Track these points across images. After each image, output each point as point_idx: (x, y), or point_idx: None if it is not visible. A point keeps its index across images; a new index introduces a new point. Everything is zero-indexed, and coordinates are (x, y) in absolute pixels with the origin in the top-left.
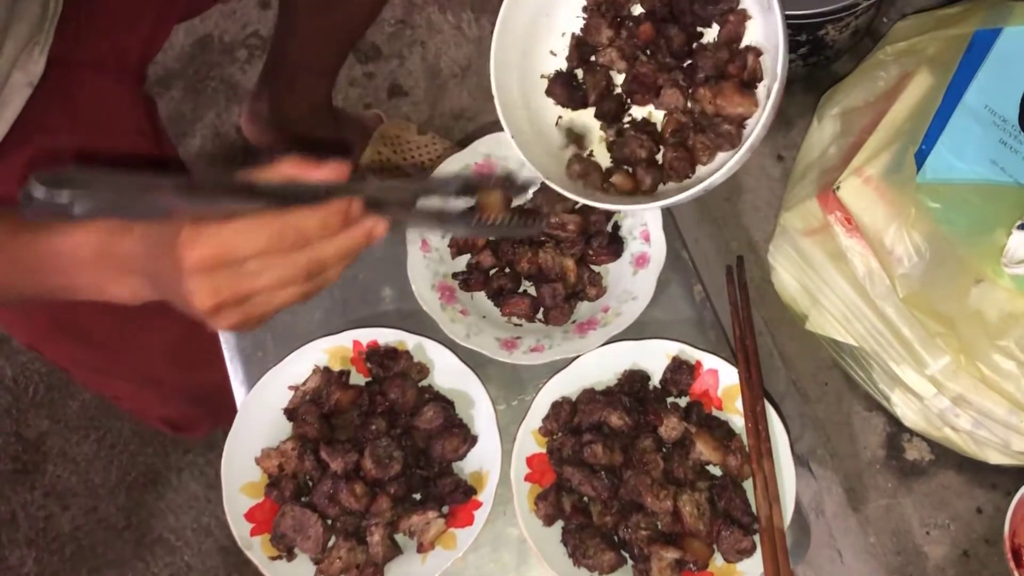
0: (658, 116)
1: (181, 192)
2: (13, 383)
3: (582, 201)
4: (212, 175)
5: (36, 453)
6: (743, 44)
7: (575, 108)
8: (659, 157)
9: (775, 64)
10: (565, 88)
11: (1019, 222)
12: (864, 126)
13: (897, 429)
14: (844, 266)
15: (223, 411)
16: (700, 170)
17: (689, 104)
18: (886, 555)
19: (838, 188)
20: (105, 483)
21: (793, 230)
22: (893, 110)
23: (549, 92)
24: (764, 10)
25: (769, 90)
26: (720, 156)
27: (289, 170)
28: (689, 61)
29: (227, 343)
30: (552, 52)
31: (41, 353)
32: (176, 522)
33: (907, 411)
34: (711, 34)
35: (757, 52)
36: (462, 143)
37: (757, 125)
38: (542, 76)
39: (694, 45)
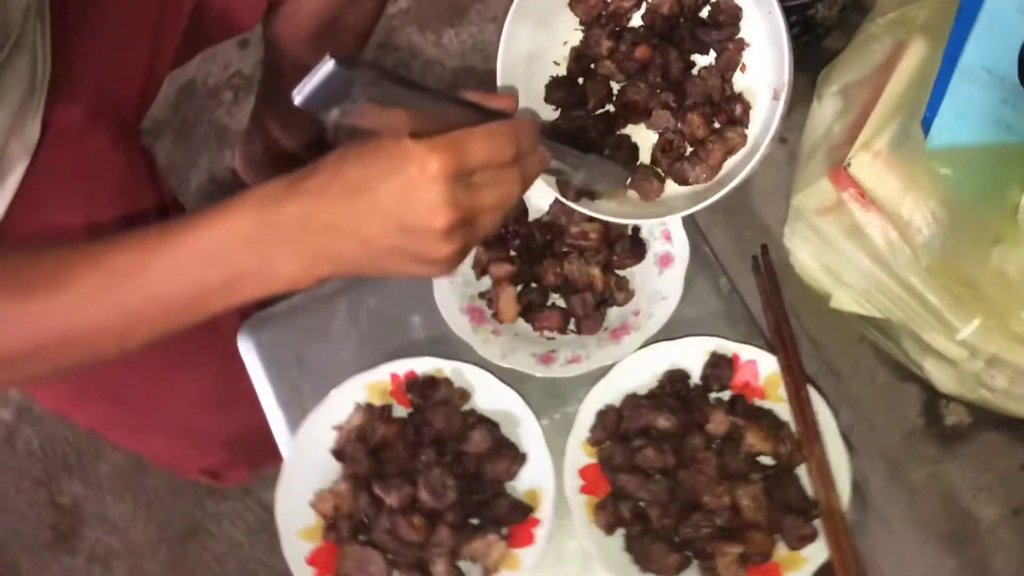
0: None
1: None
2: (41, 451)
3: (589, 213)
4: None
5: (73, 518)
6: (739, 71)
7: (573, 110)
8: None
9: (780, 72)
10: (564, 91)
11: None
12: (865, 101)
13: (933, 396)
14: (863, 241)
15: (263, 452)
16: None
17: (679, 125)
18: (936, 522)
19: (849, 165)
20: (146, 541)
21: (807, 211)
22: (892, 82)
23: (548, 99)
24: (771, 42)
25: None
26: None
27: (471, 96)
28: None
29: (263, 391)
30: (555, 62)
31: (69, 417)
32: (221, 570)
33: (941, 377)
34: (704, 60)
35: (747, 105)
36: None
37: (754, 158)
38: (545, 86)
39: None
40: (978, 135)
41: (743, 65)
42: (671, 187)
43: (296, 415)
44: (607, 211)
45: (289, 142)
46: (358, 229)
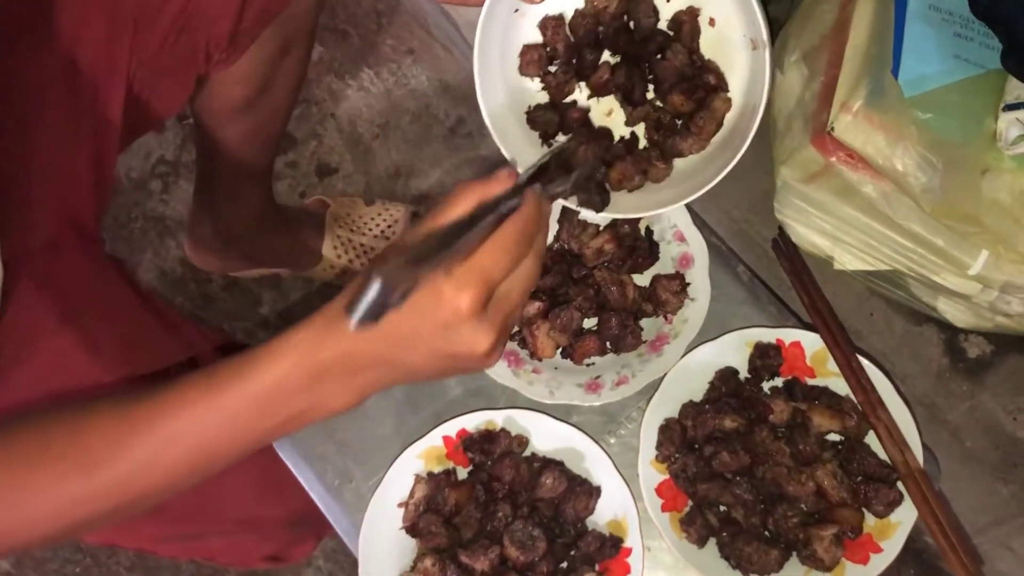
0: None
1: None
2: None
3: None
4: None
5: None
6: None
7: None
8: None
9: (752, 21)
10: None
11: (1002, 104)
12: (828, 63)
13: (951, 333)
14: (855, 199)
15: (325, 523)
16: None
17: (637, 176)
18: (985, 454)
19: (832, 129)
20: None
21: (794, 181)
22: (851, 40)
23: (530, 122)
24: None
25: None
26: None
27: (474, 197)
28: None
29: (310, 485)
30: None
31: (119, 545)
32: None
33: (956, 313)
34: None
35: (718, 71)
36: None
37: (757, 116)
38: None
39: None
40: (943, 74)
41: (711, 19)
42: (676, 175)
43: (352, 500)
44: (626, 209)
45: (239, 217)
46: (405, 361)
